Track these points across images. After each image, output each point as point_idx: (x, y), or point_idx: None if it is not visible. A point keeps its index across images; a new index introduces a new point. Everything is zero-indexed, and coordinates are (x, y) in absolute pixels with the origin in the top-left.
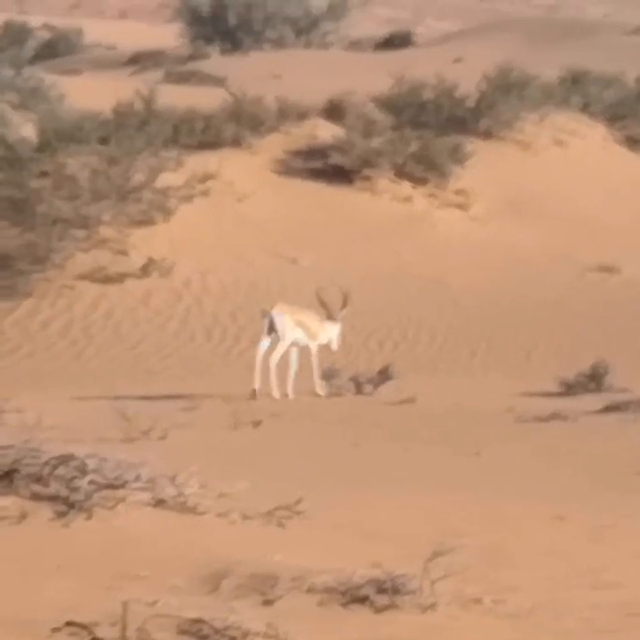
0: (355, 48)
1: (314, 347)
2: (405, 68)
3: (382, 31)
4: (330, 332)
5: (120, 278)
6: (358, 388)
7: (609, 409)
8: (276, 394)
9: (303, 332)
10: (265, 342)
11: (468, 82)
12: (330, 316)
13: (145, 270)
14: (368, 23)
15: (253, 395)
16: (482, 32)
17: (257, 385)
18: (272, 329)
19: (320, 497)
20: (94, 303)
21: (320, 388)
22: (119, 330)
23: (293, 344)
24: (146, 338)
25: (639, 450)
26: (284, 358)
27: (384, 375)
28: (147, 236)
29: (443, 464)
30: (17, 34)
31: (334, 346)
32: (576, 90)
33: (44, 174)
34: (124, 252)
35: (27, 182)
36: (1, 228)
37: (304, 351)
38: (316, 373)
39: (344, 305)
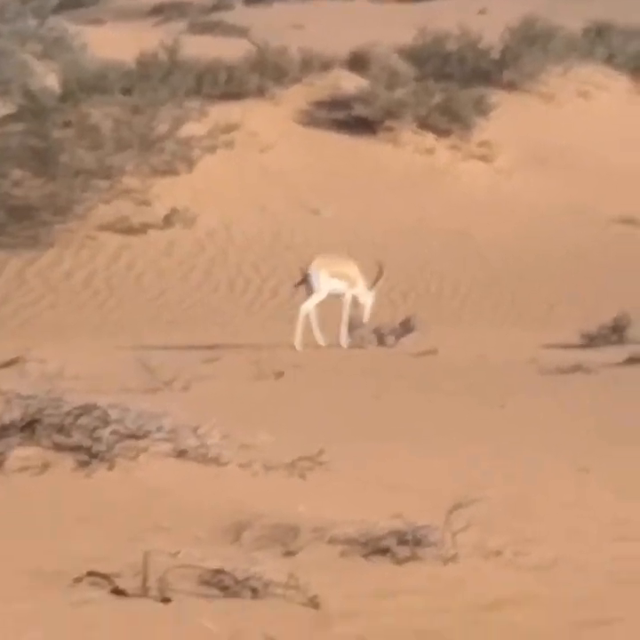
0: None
1: (348, 296)
2: (429, 19)
3: None
4: (365, 296)
5: (143, 229)
6: (381, 340)
7: (631, 361)
8: (321, 342)
9: (340, 282)
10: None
11: (492, 34)
12: (370, 284)
13: (168, 221)
14: None
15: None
16: None
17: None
18: (310, 287)
19: (342, 448)
20: (117, 254)
21: (344, 339)
22: (141, 281)
23: (331, 294)
24: (168, 289)
25: None
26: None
27: (406, 327)
28: (170, 186)
29: (466, 416)
30: None
31: (365, 317)
32: (600, 42)
33: (66, 124)
34: (146, 203)
35: (50, 132)
36: (24, 178)
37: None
38: (344, 325)
39: (379, 276)
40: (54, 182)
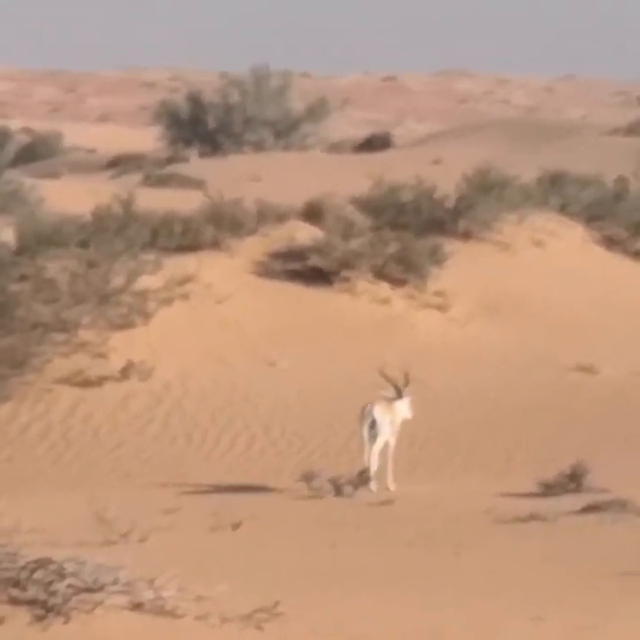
0: (334, 150)
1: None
2: (385, 169)
3: (362, 133)
4: (403, 411)
5: (99, 382)
6: (338, 490)
7: (588, 509)
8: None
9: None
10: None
11: (447, 183)
12: (398, 393)
13: (124, 373)
14: (347, 125)
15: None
16: (461, 133)
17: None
18: (373, 426)
19: (299, 599)
20: (73, 407)
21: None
22: (98, 433)
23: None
24: (125, 441)
25: (619, 551)
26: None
27: (364, 477)
28: (126, 339)
29: (421, 565)
30: None
31: (409, 415)
32: (554, 191)
33: (23, 278)
34: (103, 356)
35: (6, 286)
36: None
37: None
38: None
39: (406, 382)
40: (11, 336)
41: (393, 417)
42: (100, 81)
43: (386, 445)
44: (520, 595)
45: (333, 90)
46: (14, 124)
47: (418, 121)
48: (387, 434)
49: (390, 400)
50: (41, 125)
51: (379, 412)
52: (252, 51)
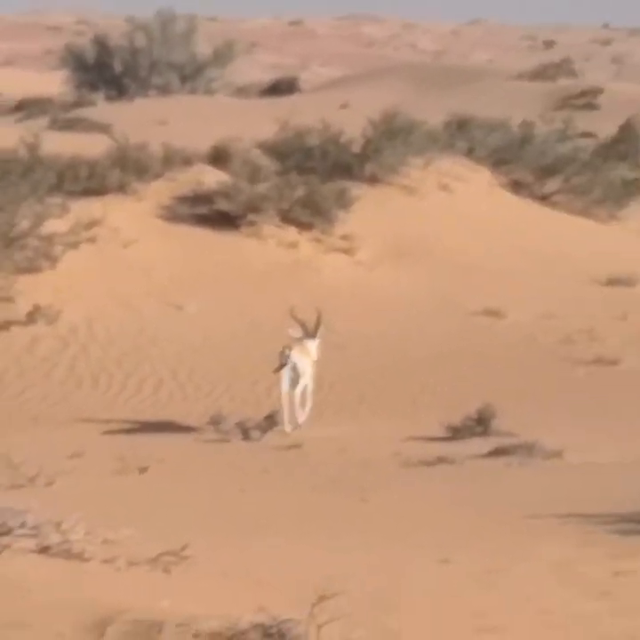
0: (241, 94)
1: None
2: (291, 113)
3: (268, 77)
4: (314, 351)
5: (5, 326)
6: (245, 434)
7: (496, 453)
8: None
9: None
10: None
11: (354, 127)
12: (308, 334)
13: (30, 317)
14: (254, 70)
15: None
16: (367, 78)
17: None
18: (294, 369)
19: (207, 543)
20: None
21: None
22: (4, 377)
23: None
24: (32, 385)
25: (525, 494)
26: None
27: (271, 421)
28: (32, 283)
29: (329, 509)
30: None
31: (314, 356)
32: (461, 135)
33: None
34: (9, 300)
35: None
36: None
37: None
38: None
39: (318, 323)
40: None
41: (310, 359)
42: (3, 25)
43: (305, 387)
44: (427, 538)
45: (240, 34)
46: None
47: (324, 65)
48: (308, 376)
49: (302, 341)
50: None
51: (297, 355)
52: None
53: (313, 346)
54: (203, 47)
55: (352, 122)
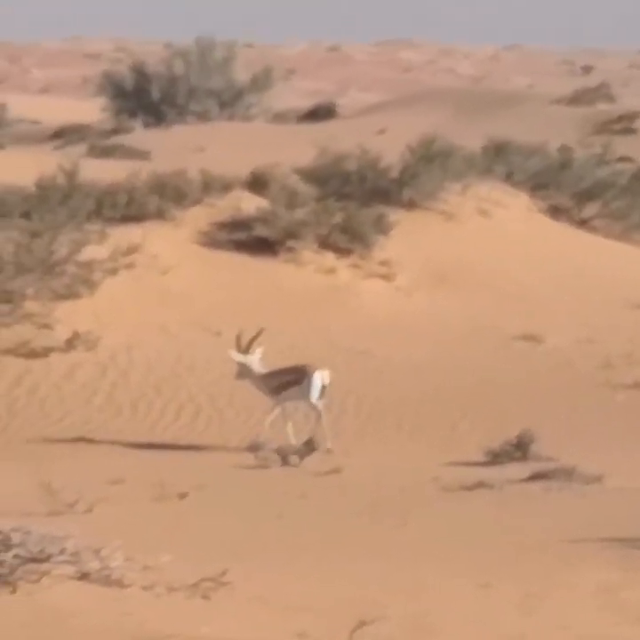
0: (279, 120)
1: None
2: (329, 139)
3: (306, 103)
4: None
5: (45, 353)
6: (284, 460)
7: (534, 477)
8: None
9: None
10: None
11: (392, 152)
12: (239, 349)
13: (70, 344)
14: (292, 96)
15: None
16: (405, 103)
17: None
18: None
19: (245, 568)
20: (18, 378)
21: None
22: (44, 404)
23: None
24: (71, 412)
25: (565, 518)
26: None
27: (310, 446)
28: (71, 309)
29: (367, 534)
30: None
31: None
32: (499, 160)
33: None
34: (48, 326)
35: None
36: None
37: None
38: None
39: (252, 340)
40: None
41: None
42: (42, 52)
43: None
44: (467, 562)
45: (278, 60)
46: None
47: (362, 91)
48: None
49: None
50: None
51: (326, 377)
52: (197, 21)
53: (244, 361)
54: (241, 73)
55: (390, 147)
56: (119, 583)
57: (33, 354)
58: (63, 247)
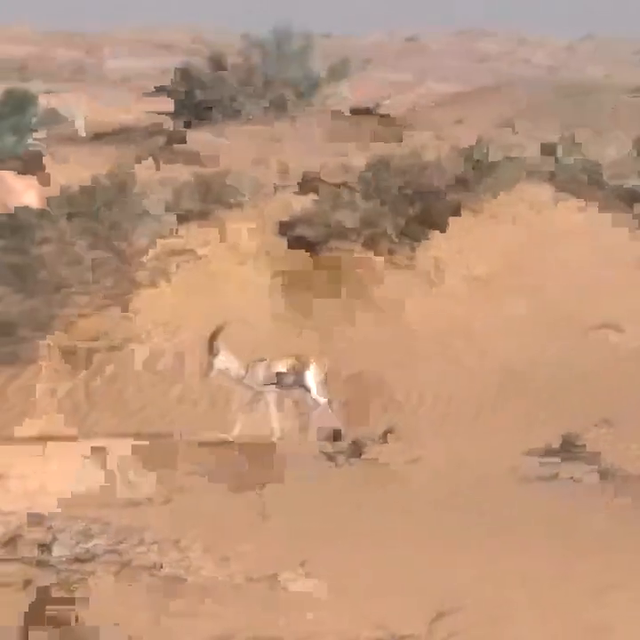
0: (354, 112)
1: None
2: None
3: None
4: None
5: (124, 343)
6: (361, 451)
7: (613, 468)
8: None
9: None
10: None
11: (470, 142)
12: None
13: (149, 335)
14: (368, 87)
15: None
16: (482, 93)
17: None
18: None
19: (324, 558)
20: (97, 369)
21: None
22: (123, 394)
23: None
24: (150, 403)
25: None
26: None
27: (388, 436)
28: (150, 300)
29: (447, 524)
30: (19, 100)
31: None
32: (573, 150)
33: (45, 241)
34: (127, 317)
35: (29, 249)
36: (3, 294)
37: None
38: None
39: (212, 338)
40: (34, 298)
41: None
42: (118, 43)
43: None
44: (545, 552)
45: (355, 51)
46: (36, 86)
47: (439, 81)
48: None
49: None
50: (64, 88)
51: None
52: (274, 12)
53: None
54: (318, 64)
55: (468, 137)
56: (198, 573)
57: (111, 344)
58: (142, 238)
